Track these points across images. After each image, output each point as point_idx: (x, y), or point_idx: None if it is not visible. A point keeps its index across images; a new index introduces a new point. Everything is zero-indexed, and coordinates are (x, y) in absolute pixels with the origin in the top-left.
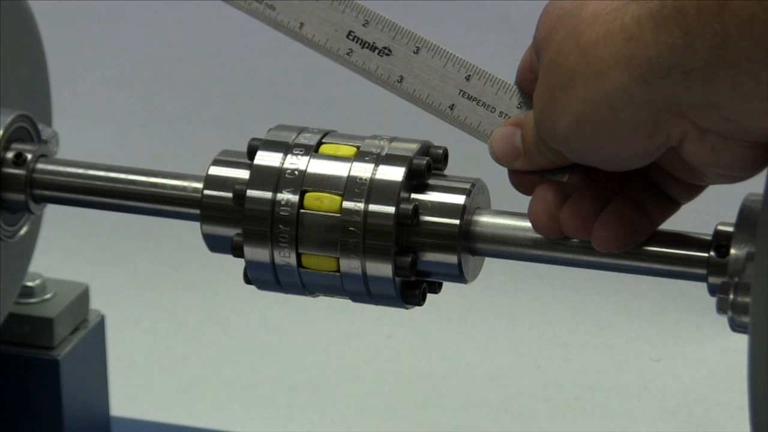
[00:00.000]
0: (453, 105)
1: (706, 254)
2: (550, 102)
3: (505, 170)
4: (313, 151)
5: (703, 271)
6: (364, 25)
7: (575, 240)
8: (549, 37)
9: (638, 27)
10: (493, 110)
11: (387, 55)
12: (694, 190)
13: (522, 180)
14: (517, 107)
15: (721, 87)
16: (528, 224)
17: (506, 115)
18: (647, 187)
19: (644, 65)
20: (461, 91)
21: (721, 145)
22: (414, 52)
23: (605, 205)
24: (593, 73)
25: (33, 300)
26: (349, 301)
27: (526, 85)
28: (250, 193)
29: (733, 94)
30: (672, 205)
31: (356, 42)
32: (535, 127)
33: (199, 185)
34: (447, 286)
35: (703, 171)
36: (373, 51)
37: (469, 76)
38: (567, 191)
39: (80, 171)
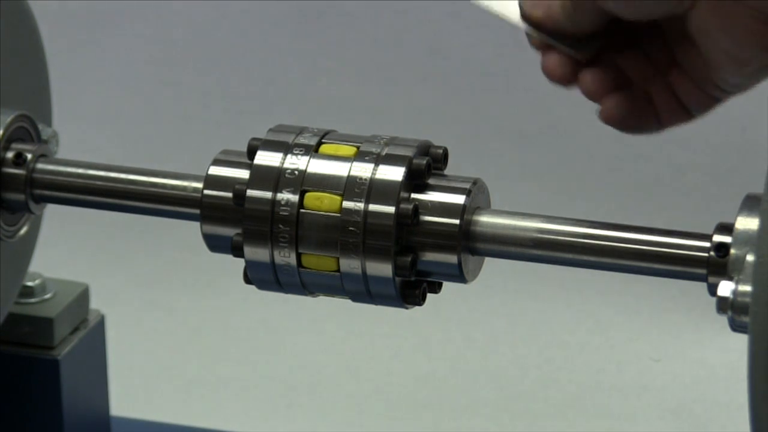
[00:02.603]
0: None
1: (706, 254)
2: None
3: (504, 170)
4: (313, 151)
5: (703, 271)
6: None
7: (575, 239)
8: None
9: None
10: None
11: None
12: (706, 100)
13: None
14: None
15: None
16: (528, 224)
17: None
18: (664, 89)
19: None
20: None
21: (734, 10)
22: None
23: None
24: None
25: (33, 300)
26: (349, 301)
27: None
28: (250, 192)
29: None
30: (683, 115)
31: None
32: None
33: (199, 185)
34: (447, 286)
35: (714, 55)
36: None
37: None
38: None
39: (80, 171)
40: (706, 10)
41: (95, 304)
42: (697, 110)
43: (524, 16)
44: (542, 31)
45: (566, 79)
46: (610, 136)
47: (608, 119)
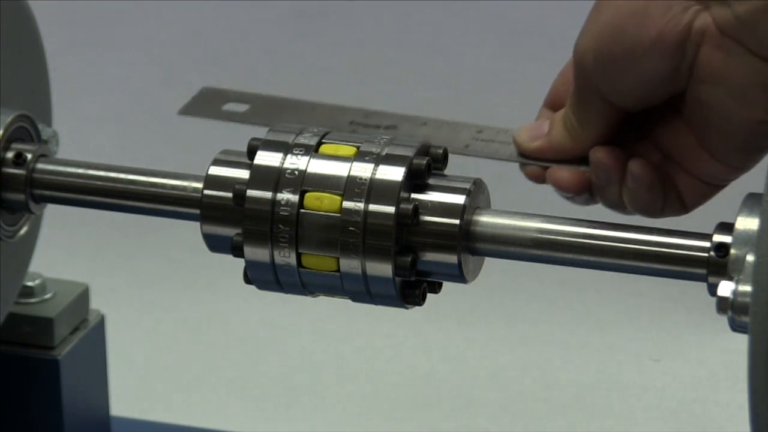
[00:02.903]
0: (467, 145)
1: (706, 254)
2: (587, 24)
3: (504, 169)
4: (313, 150)
5: (703, 271)
6: (364, 117)
7: (575, 239)
8: None
9: None
10: (510, 144)
11: (393, 128)
12: (701, 190)
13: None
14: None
15: None
16: (528, 224)
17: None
18: (665, 181)
19: None
20: (474, 138)
21: (736, 50)
22: (422, 124)
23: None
24: None
25: (33, 300)
26: (349, 301)
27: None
28: (250, 192)
29: None
30: (679, 206)
31: (359, 126)
32: (574, 60)
33: (199, 185)
34: (447, 286)
35: (719, 108)
36: (378, 128)
37: (481, 130)
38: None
39: (80, 171)
40: (709, 48)
41: (95, 304)
42: (692, 202)
43: (521, 151)
44: (541, 160)
45: (581, 188)
46: None
47: (643, 175)
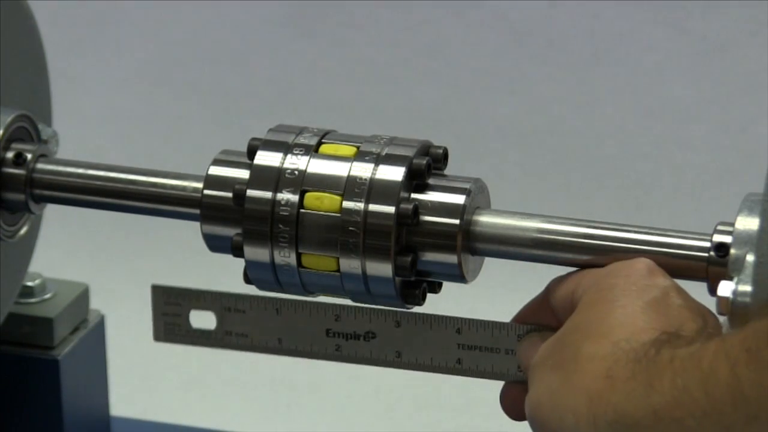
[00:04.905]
0: (459, 359)
1: (706, 254)
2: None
3: (504, 170)
4: (313, 150)
5: (703, 272)
6: (336, 319)
7: (575, 239)
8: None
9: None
10: (498, 351)
11: (372, 338)
12: None
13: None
14: (518, 340)
15: None
16: (528, 224)
17: (511, 350)
18: None
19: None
20: (459, 344)
21: None
22: (396, 326)
23: None
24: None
25: (33, 300)
26: (349, 301)
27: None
28: (250, 192)
29: None
30: None
31: (339, 337)
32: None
33: (199, 185)
34: (447, 286)
35: None
36: (358, 339)
37: (459, 328)
38: None
39: (80, 171)
40: None
41: (95, 304)
42: None
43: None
44: None
45: None
46: (610, 136)
47: None
